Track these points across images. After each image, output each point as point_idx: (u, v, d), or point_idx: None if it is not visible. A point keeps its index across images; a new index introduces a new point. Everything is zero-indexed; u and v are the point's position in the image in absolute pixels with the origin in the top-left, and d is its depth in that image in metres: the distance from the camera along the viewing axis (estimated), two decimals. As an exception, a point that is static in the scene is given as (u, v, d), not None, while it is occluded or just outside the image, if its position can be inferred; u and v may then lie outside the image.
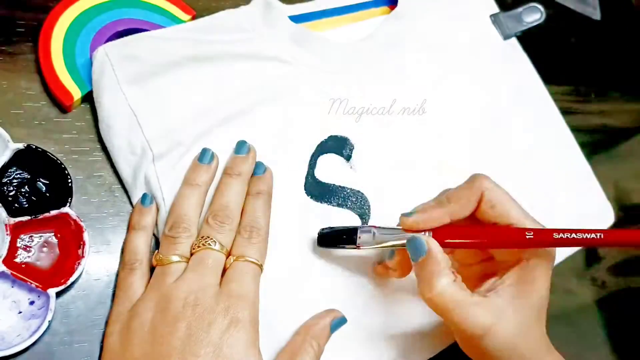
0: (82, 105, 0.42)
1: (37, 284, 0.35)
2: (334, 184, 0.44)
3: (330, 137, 0.45)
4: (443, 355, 0.44)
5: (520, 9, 0.56)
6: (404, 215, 0.38)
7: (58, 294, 0.36)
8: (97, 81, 0.40)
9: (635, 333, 0.54)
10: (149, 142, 0.39)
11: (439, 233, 0.37)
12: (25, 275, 0.35)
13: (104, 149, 0.40)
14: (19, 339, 0.34)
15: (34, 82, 0.41)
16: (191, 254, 0.36)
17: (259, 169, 0.40)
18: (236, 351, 0.33)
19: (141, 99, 0.40)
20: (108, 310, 0.38)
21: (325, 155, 0.44)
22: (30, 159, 0.38)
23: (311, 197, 0.43)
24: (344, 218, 0.43)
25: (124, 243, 0.38)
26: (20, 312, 0.36)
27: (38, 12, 0.42)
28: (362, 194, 0.44)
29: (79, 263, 0.36)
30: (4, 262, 0.35)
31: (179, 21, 0.45)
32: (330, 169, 0.44)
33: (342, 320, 0.40)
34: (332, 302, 0.41)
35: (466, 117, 0.50)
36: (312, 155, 0.44)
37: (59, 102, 0.41)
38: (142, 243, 0.38)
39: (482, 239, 0.37)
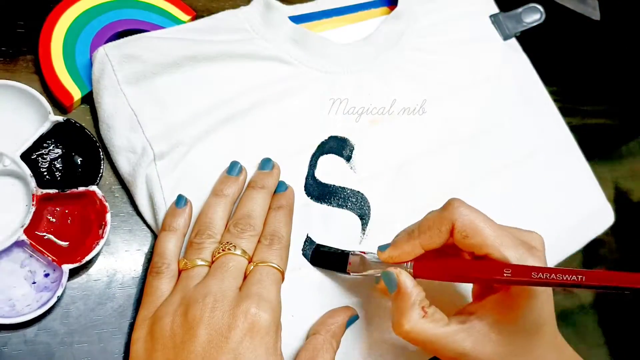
0: (82, 106, 0.42)
1: (54, 258, 0.36)
2: (334, 185, 0.44)
3: (331, 138, 0.45)
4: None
5: (519, 10, 0.56)
6: (379, 248, 0.38)
7: (72, 272, 0.37)
8: (97, 81, 0.40)
9: (635, 333, 0.54)
10: (150, 141, 0.39)
11: (418, 264, 0.36)
12: (44, 247, 0.36)
13: (104, 149, 0.40)
14: (27, 308, 0.35)
15: (34, 82, 0.41)
16: (212, 260, 0.36)
17: (281, 186, 0.41)
18: (255, 357, 0.33)
19: (141, 99, 0.40)
20: (108, 311, 0.38)
21: (325, 156, 0.44)
22: (68, 133, 0.38)
23: (311, 198, 0.43)
24: (344, 219, 0.43)
25: (154, 245, 0.38)
26: (34, 283, 0.37)
27: (38, 12, 0.42)
28: (362, 194, 0.44)
29: (97, 243, 0.37)
30: (26, 231, 0.36)
31: (178, 22, 0.45)
32: (331, 170, 0.44)
33: (355, 318, 0.40)
34: (332, 302, 0.41)
35: (466, 117, 0.50)
36: (313, 156, 0.44)
37: (59, 103, 0.41)
38: (171, 245, 0.37)
39: (459, 274, 0.36)
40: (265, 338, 0.33)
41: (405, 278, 0.35)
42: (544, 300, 0.35)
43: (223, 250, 0.36)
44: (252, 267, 0.36)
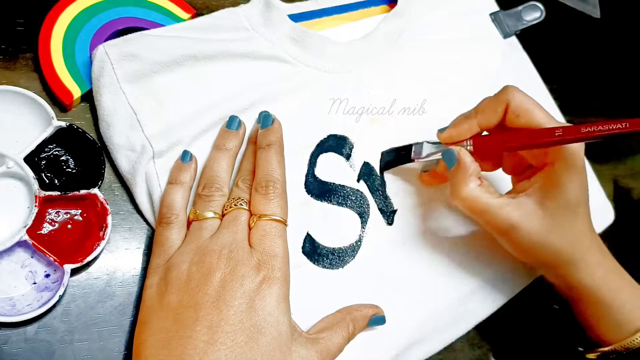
0: (81, 104, 0.42)
1: (55, 258, 0.36)
2: (334, 183, 0.44)
3: (330, 136, 0.45)
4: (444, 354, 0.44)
5: (520, 8, 0.56)
6: (439, 130, 0.42)
7: (73, 272, 0.37)
8: (96, 80, 0.40)
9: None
10: (149, 139, 0.39)
11: (477, 142, 0.40)
12: (46, 248, 0.37)
13: (104, 147, 0.40)
14: (28, 308, 0.35)
15: (33, 80, 0.41)
16: (224, 214, 0.37)
17: (266, 120, 0.41)
18: (267, 304, 0.34)
19: (141, 97, 0.40)
20: (108, 309, 0.38)
21: (325, 154, 0.44)
22: (70, 138, 0.39)
23: (311, 196, 0.43)
24: (344, 216, 0.43)
25: (162, 198, 0.39)
26: (34, 283, 0.37)
27: (38, 10, 0.42)
28: (362, 192, 0.44)
29: (98, 244, 0.38)
30: (28, 232, 0.36)
31: (178, 20, 0.45)
32: (331, 168, 0.44)
33: (382, 319, 0.41)
34: (334, 299, 0.41)
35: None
36: (312, 154, 0.44)
37: (58, 101, 0.41)
38: (179, 197, 0.38)
39: (515, 142, 0.39)
40: (274, 288, 0.34)
41: (464, 154, 0.40)
42: (583, 180, 0.39)
43: (235, 205, 0.37)
44: (254, 219, 0.36)
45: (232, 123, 0.41)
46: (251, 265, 0.34)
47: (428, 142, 0.43)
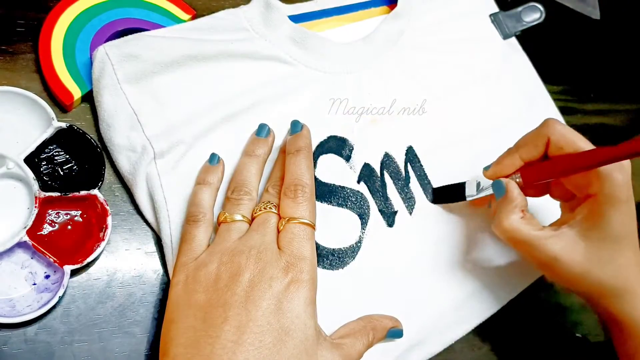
0: (82, 105, 0.42)
1: (55, 259, 0.36)
2: (334, 184, 0.44)
3: (330, 137, 0.45)
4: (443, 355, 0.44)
5: (519, 9, 0.56)
6: (484, 169, 0.43)
7: (73, 273, 0.37)
8: (97, 80, 0.40)
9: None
10: (150, 140, 0.39)
11: (524, 173, 0.41)
12: (46, 249, 0.37)
13: (105, 148, 0.40)
14: (28, 309, 0.35)
15: (34, 81, 0.41)
16: (253, 217, 0.38)
17: (295, 127, 0.42)
18: (295, 306, 0.34)
19: (141, 98, 0.40)
20: (108, 310, 0.38)
21: (325, 155, 0.44)
22: (70, 139, 0.39)
23: (311, 197, 0.43)
24: (344, 217, 0.43)
25: (190, 197, 0.39)
26: (34, 284, 0.37)
27: (38, 11, 0.42)
28: (362, 194, 0.44)
29: (98, 245, 0.38)
30: (28, 233, 0.36)
31: (179, 21, 0.45)
32: (331, 169, 0.44)
33: (400, 333, 0.41)
34: (333, 298, 0.41)
35: (466, 117, 0.50)
36: (312, 155, 0.44)
37: (59, 102, 0.41)
38: (207, 197, 0.39)
39: (567, 166, 0.39)
40: (302, 290, 0.34)
41: (512, 186, 0.40)
42: (628, 212, 0.39)
43: (265, 208, 0.37)
44: (283, 222, 0.37)
45: (262, 131, 0.42)
46: (280, 267, 0.35)
47: (478, 180, 0.44)
